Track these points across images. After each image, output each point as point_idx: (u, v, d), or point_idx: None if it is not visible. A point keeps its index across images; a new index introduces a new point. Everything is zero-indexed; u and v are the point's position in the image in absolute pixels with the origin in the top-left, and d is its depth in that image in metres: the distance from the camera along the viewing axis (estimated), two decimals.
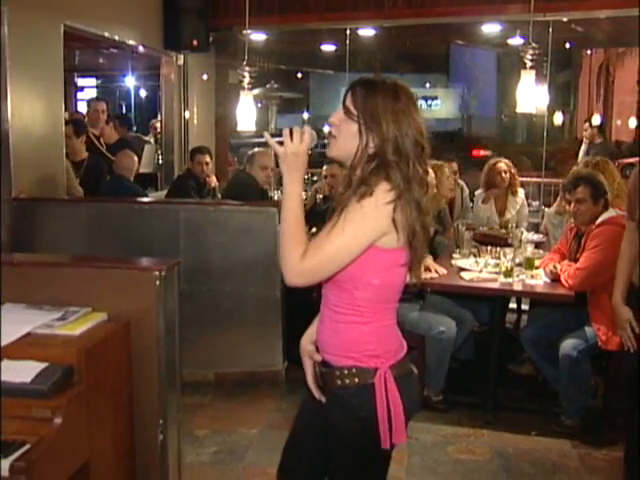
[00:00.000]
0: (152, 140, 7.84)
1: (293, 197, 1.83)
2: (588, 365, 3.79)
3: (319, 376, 2.00)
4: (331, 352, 1.93)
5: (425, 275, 4.09)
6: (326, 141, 1.95)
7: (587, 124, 8.75)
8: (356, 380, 1.88)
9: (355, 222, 1.76)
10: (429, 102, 20.10)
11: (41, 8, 4.59)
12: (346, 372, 1.88)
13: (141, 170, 6.55)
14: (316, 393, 2.03)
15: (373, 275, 1.84)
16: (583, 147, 8.48)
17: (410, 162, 1.84)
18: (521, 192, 5.73)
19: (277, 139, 1.86)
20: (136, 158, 5.36)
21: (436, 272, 4.13)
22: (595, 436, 3.79)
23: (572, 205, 3.93)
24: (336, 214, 1.81)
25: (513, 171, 5.60)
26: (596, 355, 3.80)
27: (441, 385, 4.15)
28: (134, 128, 7.91)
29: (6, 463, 1.84)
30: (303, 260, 1.76)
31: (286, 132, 1.83)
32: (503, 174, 5.54)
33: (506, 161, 5.61)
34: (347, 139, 1.86)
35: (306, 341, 2.10)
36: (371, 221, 1.77)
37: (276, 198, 5.95)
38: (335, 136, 1.89)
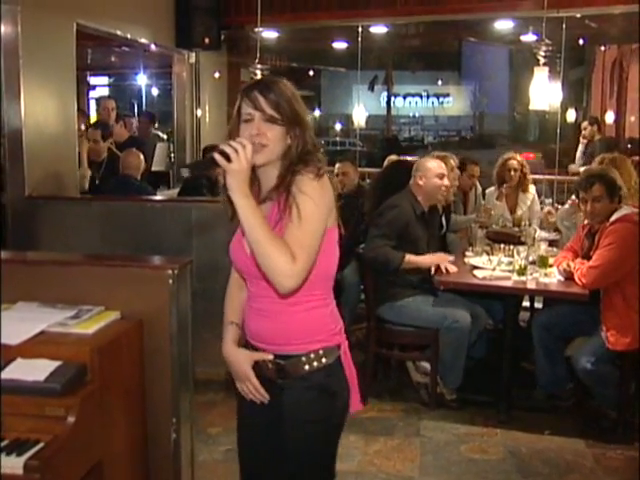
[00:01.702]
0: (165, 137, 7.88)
1: (252, 207, 1.79)
2: (607, 367, 3.75)
3: (274, 371, 1.98)
4: (293, 342, 1.95)
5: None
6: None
7: (586, 122, 8.68)
8: (323, 360, 1.96)
9: (317, 203, 1.84)
10: (441, 99, 20.07)
11: (54, 7, 4.61)
12: (313, 356, 1.95)
13: (153, 168, 6.57)
14: (262, 394, 2.02)
15: (322, 255, 1.89)
16: (580, 147, 8.38)
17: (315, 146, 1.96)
18: (532, 189, 5.70)
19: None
20: (142, 157, 5.34)
21: (447, 270, 4.11)
22: (610, 435, 3.77)
23: (588, 204, 3.86)
24: (282, 202, 1.86)
25: (525, 170, 5.55)
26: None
27: (458, 382, 4.14)
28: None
29: (20, 461, 1.84)
30: (296, 262, 1.76)
31: (235, 148, 1.79)
32: (513, 172, 5.50)
33: (519, 158, 5.57)
34: (277, 144, 1.89)
35: (234, 350, 2.10)
36: (327, 198, 1.88)
37: None
38: (266, 144, 1.87)
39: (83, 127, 5.92)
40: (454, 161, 5.11)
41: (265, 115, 1.87)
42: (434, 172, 4.19)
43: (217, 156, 1.78)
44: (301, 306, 1.94)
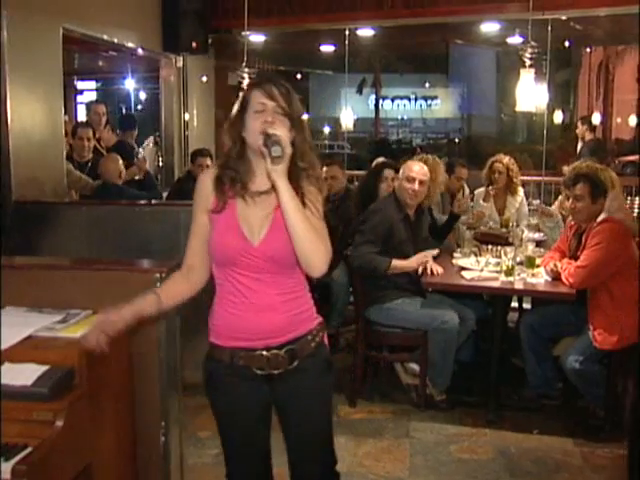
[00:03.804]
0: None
1: (293, 192, 1.91)
2: (595, 367, 3.77)
3: (287, 358, 2.04)
4: (300, 326, 2.07)
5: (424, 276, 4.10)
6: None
7: (579, 122, 8.78)
8: (321, 334, 2.13)
9: (320, 211, 2.02)
10: (429, 102, 20.10)
11: (40, 11, 4.59)
12: (315, 332, 2.11)
13: None
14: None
15: None
16: (580, 145, 8.53)
17: None
18: (521, 192, 5.70)
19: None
20: (121, 161, 5.29)
21: (432, 272, 4.12)
22: (598, 434, 3.79)
23: (570, 201, 3.93)
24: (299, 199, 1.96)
25: (512, 173, 5.50)
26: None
27: (446, 383, 4.15)
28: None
29: (8, 466, 1.84)
30: (329, 250, 1.94)
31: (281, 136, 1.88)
32: (498, 174, 5.48)
33: (506, 160, 5.51)
34: (287, 135, 1.93)
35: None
36: None
37: None
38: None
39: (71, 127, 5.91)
40: (441, 164, 5.12)
41: (278, 107, 1.95)
42: (405, 175, 4.20)
43: (283, 144, 1.86)
44: (301, 291, 2.08)
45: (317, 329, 2.12)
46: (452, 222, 5.01)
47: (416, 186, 4.18)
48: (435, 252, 4.16)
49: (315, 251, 1.91)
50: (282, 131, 1.89)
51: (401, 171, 4.27)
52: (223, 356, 2.07)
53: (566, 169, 8.03)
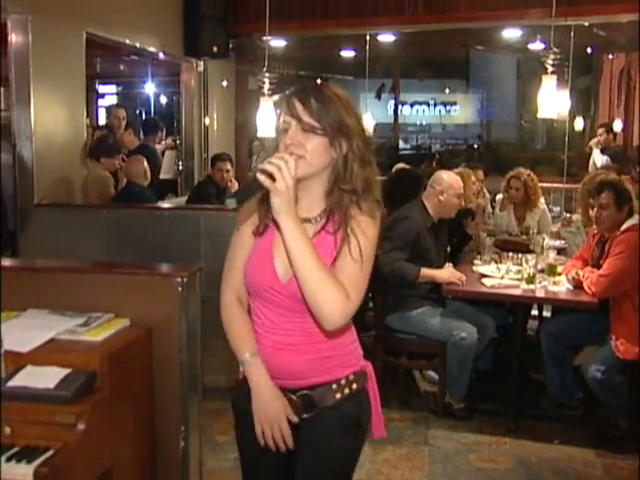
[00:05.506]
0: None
1: (301, 232, 1.64)
2: (617, 377, 3.72)
3: (300, 405, 1.83)
4: (325, 372, 1.82)
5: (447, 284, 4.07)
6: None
7: (602, 129, 8.60)
8: (354, 386, 1.85)
9: (374, 247, 1.76)
10: (448, 108, 20.02)
11: (64, 16, 4.64)
12: (344, 382, 1.84)
13: (161, 176, 6.59)
14: (290, 442, 1.82)
15: None
16: (596, 152, 8.36)
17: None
18: (541, 204, 5.60)
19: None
20: (145, 162, 5.31)
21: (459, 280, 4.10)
22: (620, 445, 3.74)
23: (595, 210, 3.88)
24: (340, 234, 1.74)
25: (529, 190, 5.38)
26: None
27: (463, 392, 4.12)
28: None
29: (30, 469, 1.85)
30: (350, 301, 1.66)
31: (277, 165, 1.58)
32: (515, 190, 5.41)
33: (524, 177, 5.38)
34: (317, 156, 1.71)
35: (274, 388, 1.82)
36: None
37: None
38: (302, 156, 1.68)
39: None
40: (475, 177, 5.17)
41: (302, 123, 1.69)
42: (456, 191, 4.21)
43: (260, 177, 1.58)
44: (332, 335, 1.79)
45: (349, 379, 1.84)
46: (463, 244, 5.00)
47: (462, 201, 4.32)
48: (464, 278, 4.09)
49: (326, 303, 1.63)
50: (295, 155, 1.64)
51: (446, 185, 4.18)
52: (243, 388, 1.91)
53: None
